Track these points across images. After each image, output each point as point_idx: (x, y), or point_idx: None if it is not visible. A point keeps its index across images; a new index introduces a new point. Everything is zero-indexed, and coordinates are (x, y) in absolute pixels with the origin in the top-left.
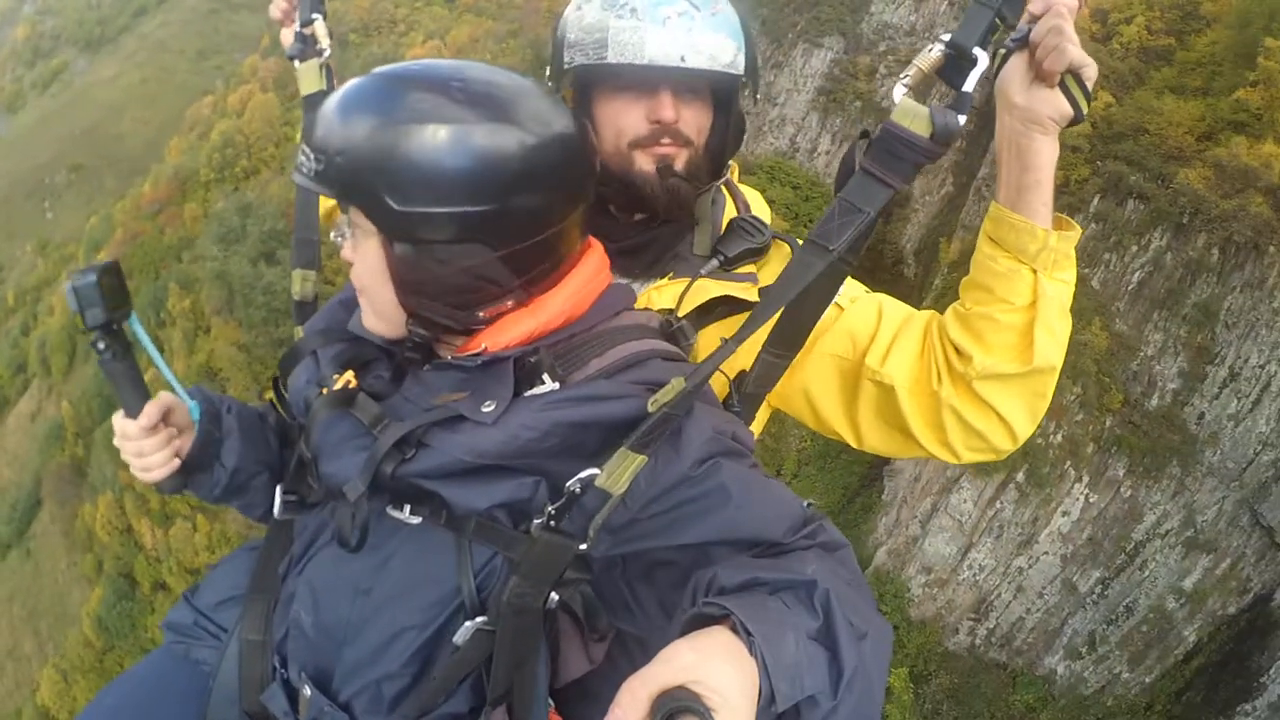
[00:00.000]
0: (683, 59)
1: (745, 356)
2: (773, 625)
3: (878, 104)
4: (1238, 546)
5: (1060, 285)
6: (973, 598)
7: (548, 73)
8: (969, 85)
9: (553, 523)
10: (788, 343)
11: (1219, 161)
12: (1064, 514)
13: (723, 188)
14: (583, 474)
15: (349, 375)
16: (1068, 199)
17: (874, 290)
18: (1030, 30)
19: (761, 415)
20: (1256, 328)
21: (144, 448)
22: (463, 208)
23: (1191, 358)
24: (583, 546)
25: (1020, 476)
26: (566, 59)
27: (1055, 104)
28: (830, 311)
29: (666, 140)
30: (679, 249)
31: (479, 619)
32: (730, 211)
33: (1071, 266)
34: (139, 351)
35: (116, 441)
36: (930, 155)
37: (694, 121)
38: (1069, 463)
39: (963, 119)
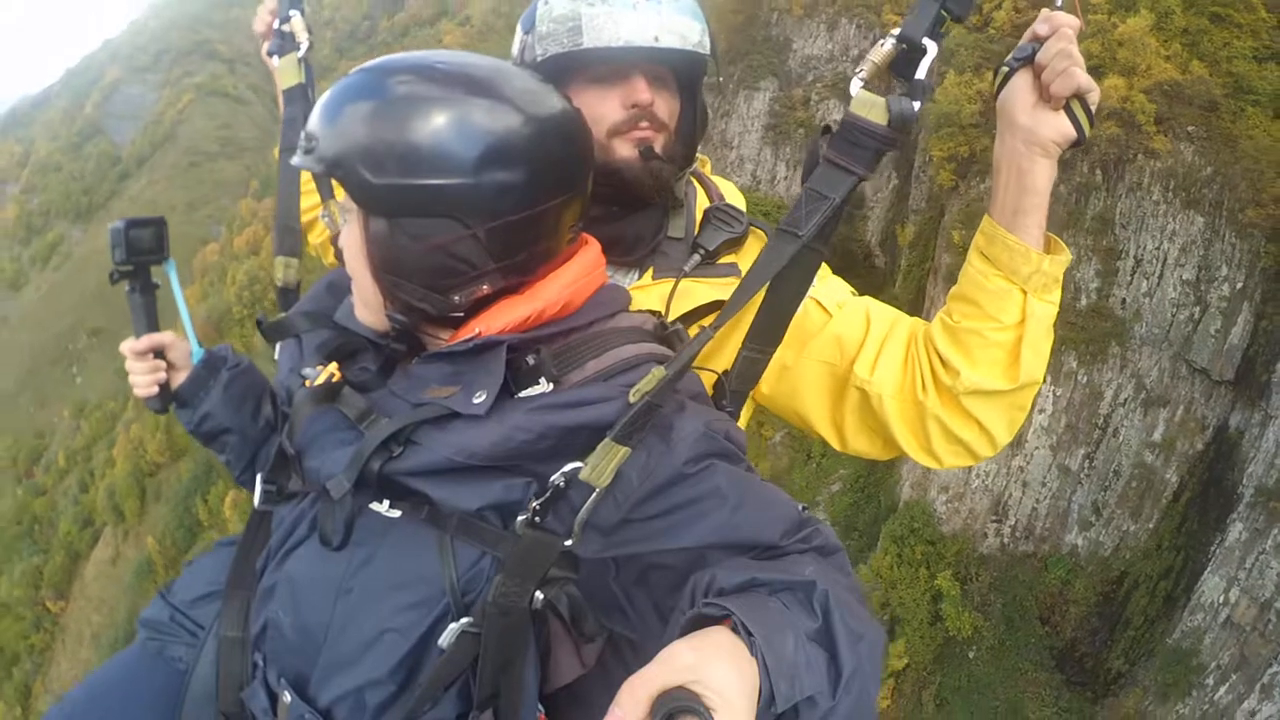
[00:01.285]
0: (656, 39)
1: (726, 356)
2: (773, 626)
3: (817, 126)
4: (1185, 393)
5: (1048, 306)
6: (988, 502)
7: None
8: (921, 73)
9: (537, 518)
10: (766, 337)
11: None
12: (1040, 410)
13: (693, 179)
14: (566, 468)
15: (332, 368)
16: (977, 167)
17: (852, 281)
18: (1034, 50)
19: (744, 412)
20: (1145, 220)
21: (132, 368)
22: (433, 180)
23: (1102, 259)
24: (568, 543)
25: None
26: (539, 51)
27: (1059, 127)
28: (818, 316)
29: (644, 124)
30: (658, 242)
31: (464, 620)
32: (703, 201)
33: (1058, 289)
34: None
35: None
36: (889, 142)
37: (666, 106)
38: None
39: (918, 105)
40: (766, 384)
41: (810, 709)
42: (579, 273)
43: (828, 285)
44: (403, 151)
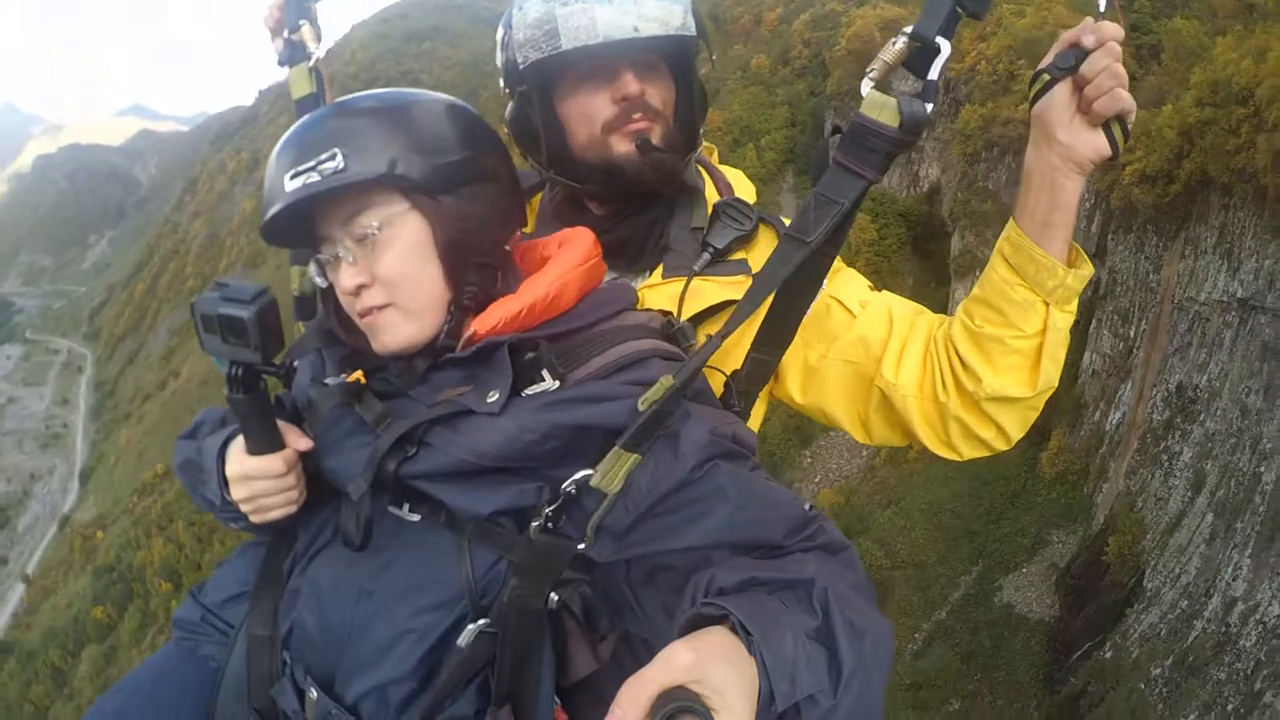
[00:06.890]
0: (636, 29)
1: (735, 357)
2: (771, 625)
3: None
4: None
5: (1067, 316)
6: None
7: (501, 83)
8: (934, 74)
9: (550, 524)
10: (776, 340)
11: None
12: None
13: (700, 169)
14: (578, 475)
15: (358, 374)
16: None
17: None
18: (1077, 61)
19: (758, 410)
20: None
21: (287, 482)
22: (470, 150)
23: None
24: (581, 546)
25: None
26: (520, 59)
27: (1097, 145)
28: (842, 317)
29: (638, 115)
30: (668, 239)
31: (481, 621)
32: (712, 195)
33: (1076, 300)
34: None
35: (248, 483)
36: (900, 144)
37: (659, 94)
38: None
39: (930, 107)
40: (796, 390)
41: (812, 707)
42: (566, 265)
43: (848, 284)
44: (443, 132)
